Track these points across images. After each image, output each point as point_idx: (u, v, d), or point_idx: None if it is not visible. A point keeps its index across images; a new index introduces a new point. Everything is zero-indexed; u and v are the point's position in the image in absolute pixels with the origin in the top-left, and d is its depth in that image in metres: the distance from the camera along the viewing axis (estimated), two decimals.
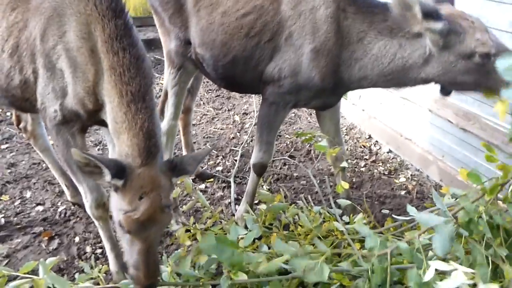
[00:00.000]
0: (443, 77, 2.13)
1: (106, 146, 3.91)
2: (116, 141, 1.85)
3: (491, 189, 1.75)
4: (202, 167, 3.69)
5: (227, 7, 2.52)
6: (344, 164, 2.65)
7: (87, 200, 2.26)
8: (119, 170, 1.70)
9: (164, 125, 3.08)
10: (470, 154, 3.25)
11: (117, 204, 1.76)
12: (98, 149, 3.97)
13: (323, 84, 2.36)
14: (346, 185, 2.43)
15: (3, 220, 2.99)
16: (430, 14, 1.97)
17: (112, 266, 2.46)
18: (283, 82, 2.42)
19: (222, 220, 2.72)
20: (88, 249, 2.78)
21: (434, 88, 3.49)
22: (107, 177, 1.69)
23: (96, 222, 2.39)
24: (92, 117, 2.07)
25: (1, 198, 3.24)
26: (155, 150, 1.77)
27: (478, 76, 2.03)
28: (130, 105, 1.79)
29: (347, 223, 2.34)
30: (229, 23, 2.49)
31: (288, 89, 2.43)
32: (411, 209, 2.22)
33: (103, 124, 2.06)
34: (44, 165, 3.55)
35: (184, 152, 3.61)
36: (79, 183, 2.24)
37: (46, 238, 2.87)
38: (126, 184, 1.71)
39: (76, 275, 2.26)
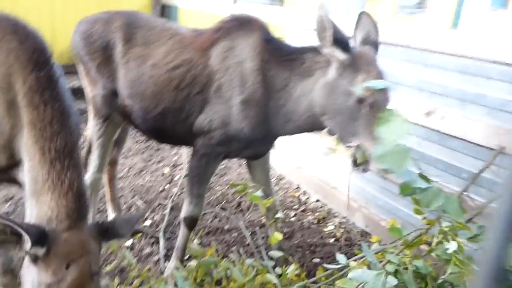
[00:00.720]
0: (327, 109, 2.20)
1: (18, 202, 3.59)
2: (34, 203, 1.67)
3: (413, 243, 1.84)
4: None
5: (157, 59, 2.53)
6: (279, 214, 2.67)
7: None
8: (41, 236, 1.51)
9: (87, 178, 2.93)
10: (390, 201, 3.42)
11: (37, 277, 1.55)
12: (9, 205, 3.61)
13: (253, 134, 2.40)
14: (279, 236, 2.43)
15: None
16: (340, 43, 2.09)
17: None
18: (213, 133, 2.43)
19: (151, 279, 2.56)
20: None
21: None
22: (27, 245, 1.49)
23: None
24: (4, 173, 1.90)
25: None
26: (85, 212, 1.64)
27: (347, 118, 2.10)
28: (55, 163, 1.66)
29: (280, 275, 2.31)
30: (159, 76, 2.50)
31: (218, 141, 2.44)
32: (340, 258, 2.27)
33: (15, 182, 1.90)
34: None
35: (109, 207, 3.42)
36: None
37: None
38: (50, 252, 1.52)
39: None
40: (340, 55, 2.07)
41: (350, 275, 1.75)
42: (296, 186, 4.38)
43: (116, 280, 2.49)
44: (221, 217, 3.72)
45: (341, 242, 3.46)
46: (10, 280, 2.07)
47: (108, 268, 2.80)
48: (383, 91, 2.01)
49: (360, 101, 2.01)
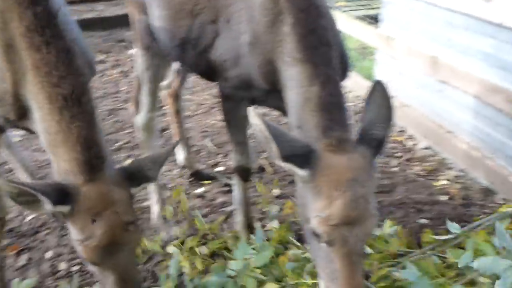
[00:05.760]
0: None
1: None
2: (52, 157, 1.83)
3: None
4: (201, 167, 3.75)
5: None
6: None
7: None
8: (61, 194, 1.68)
9: (140, 118, 3.14)
10: None
11: (72, 234, 1.75)
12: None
13: (269, 86, 2.24)
14: None
15: None
16: (291, 158, 1.85)
17: None
18: (227, 74, 2.39)
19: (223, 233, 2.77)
20: (63, 266, 2.85)
21: (482, 69, 3.51)
22: (48, 205, 1.66)
23: None
24: (14, 125, 2.08)
25: None
26: (99, 162, 1.76)
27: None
28: (63, 112, 1.78)
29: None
30: None
31: (235, 84, 2.39)
32: (452, 226, 2.23)
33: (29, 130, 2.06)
34: (8, 166, 3.58)
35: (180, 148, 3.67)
36: None
37: (14, 252, 2.93)
38: (74, 209, 1.70)
39: None
40: (297, 171, 1.83)
41: (476, 263, 1.71)
42: (400, 129, 4.32)
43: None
44: None
45: (455, 201, 3.39)
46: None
47: (178, 233, 2.98)
48: (352, 223, 1.75)
49: (316, 236, 1.81)
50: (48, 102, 1.79)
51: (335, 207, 1.71)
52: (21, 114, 1.95)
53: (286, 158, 1.76)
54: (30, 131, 2.06)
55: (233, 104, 2.51)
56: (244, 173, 2.77)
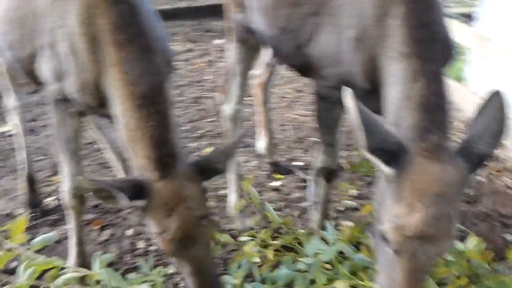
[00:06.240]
0: None
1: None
2: (131, 152, 1.91)
3: None
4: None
5: None
6: None
7: (65, 186, 2.45)
8: (138, 190, 1.77)
9: (228, 109, 3.18)
10: None
11: (149, 226, 1.86)
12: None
13: (371, 85, 2.10)
14: None
15: (53, 203, 3.30)
16: (379, 152, 1.73)
17: (71, 261, 2.65)
18: (325, 72, 2.28)
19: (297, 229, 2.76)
20: (141, 244, 2.97)
21: None
22: (125, 201, 1.75)
23: (66, 211, 2.58)
24: (94, 111, 2.18)
25: (54, 178, 3.56)
26: (172, 159, 1.82)
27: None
28: (141, 110, 1.85)
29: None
30: None
31: (333, 83, 2.25)
32: None
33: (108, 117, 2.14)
34: (96, 146, 3.79)
35: (261, 132, 3.71)
36: (63, 165, 2.42)
37: (98, 227, 3.11)
38: (149, 204, 1.79)
39: (130, 274, 2.45)
40: (381, 166, 1.71)
41: None
42: None
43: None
44: None
45: None
46: (77, 204, 2.48)
47: (250, 222, 3.04)
48: (427, 240, 1.63)
49: (385, 240, 1.71)
50: (128, 99, 1.88)
51: (413, 219, 1.60)
52: (102, 103, 2.03)
53: (373, 150, 1.65)
54: (110, 119, 2.14)
55: (328, 105, 2.41)
56: (329, 174, 2.70)
